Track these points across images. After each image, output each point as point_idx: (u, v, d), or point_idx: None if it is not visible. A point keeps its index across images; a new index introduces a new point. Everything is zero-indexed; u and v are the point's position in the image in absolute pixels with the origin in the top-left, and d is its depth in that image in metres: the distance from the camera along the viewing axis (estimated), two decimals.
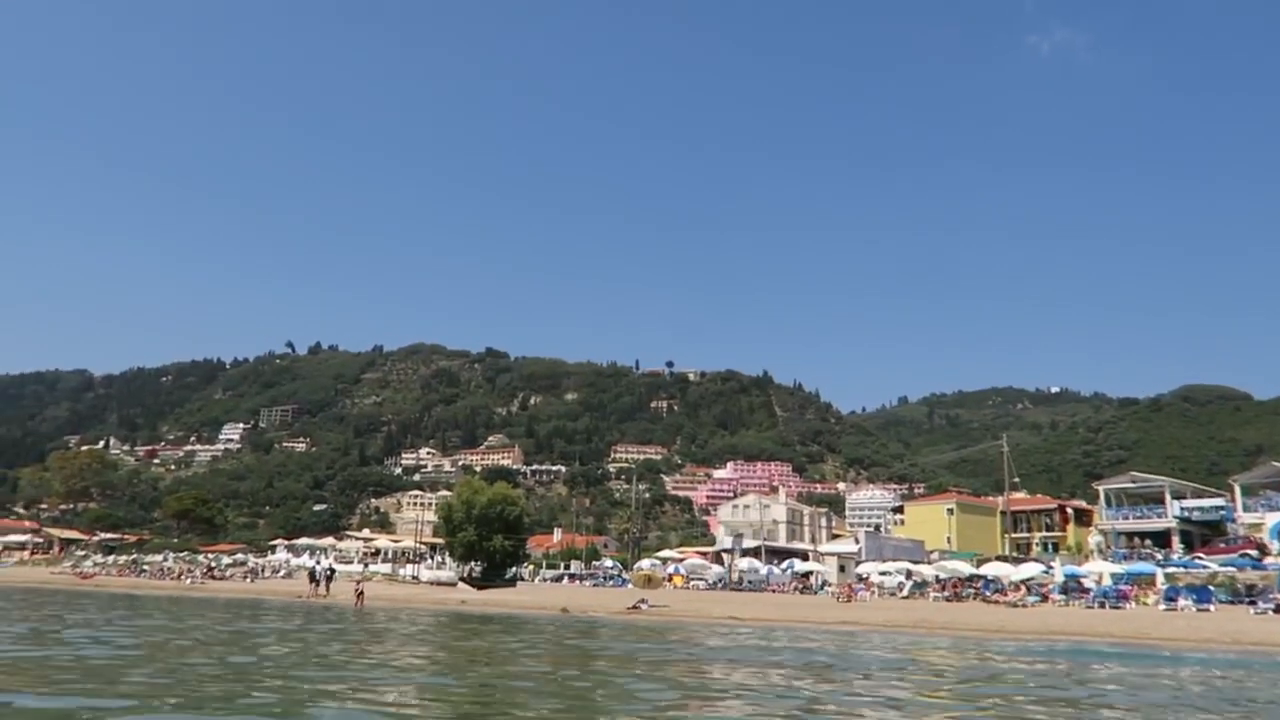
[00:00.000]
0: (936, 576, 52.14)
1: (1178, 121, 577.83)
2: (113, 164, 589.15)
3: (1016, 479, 79.14)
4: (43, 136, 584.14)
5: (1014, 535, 74.60)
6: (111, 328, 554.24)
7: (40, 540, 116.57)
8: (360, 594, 40.85)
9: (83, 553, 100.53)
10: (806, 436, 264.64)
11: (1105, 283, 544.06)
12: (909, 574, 54.15)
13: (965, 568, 53.35)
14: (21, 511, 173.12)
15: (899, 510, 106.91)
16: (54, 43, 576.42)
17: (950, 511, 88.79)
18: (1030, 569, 49.61)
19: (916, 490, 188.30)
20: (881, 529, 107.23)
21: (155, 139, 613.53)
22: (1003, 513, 74.10)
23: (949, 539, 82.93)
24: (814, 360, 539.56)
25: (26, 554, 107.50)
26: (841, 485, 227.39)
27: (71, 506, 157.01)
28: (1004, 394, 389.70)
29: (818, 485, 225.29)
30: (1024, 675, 15.61)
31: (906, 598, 48.66)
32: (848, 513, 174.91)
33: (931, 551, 71.18)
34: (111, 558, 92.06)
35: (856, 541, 75.26)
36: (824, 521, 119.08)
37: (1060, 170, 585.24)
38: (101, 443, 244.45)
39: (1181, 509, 60.55)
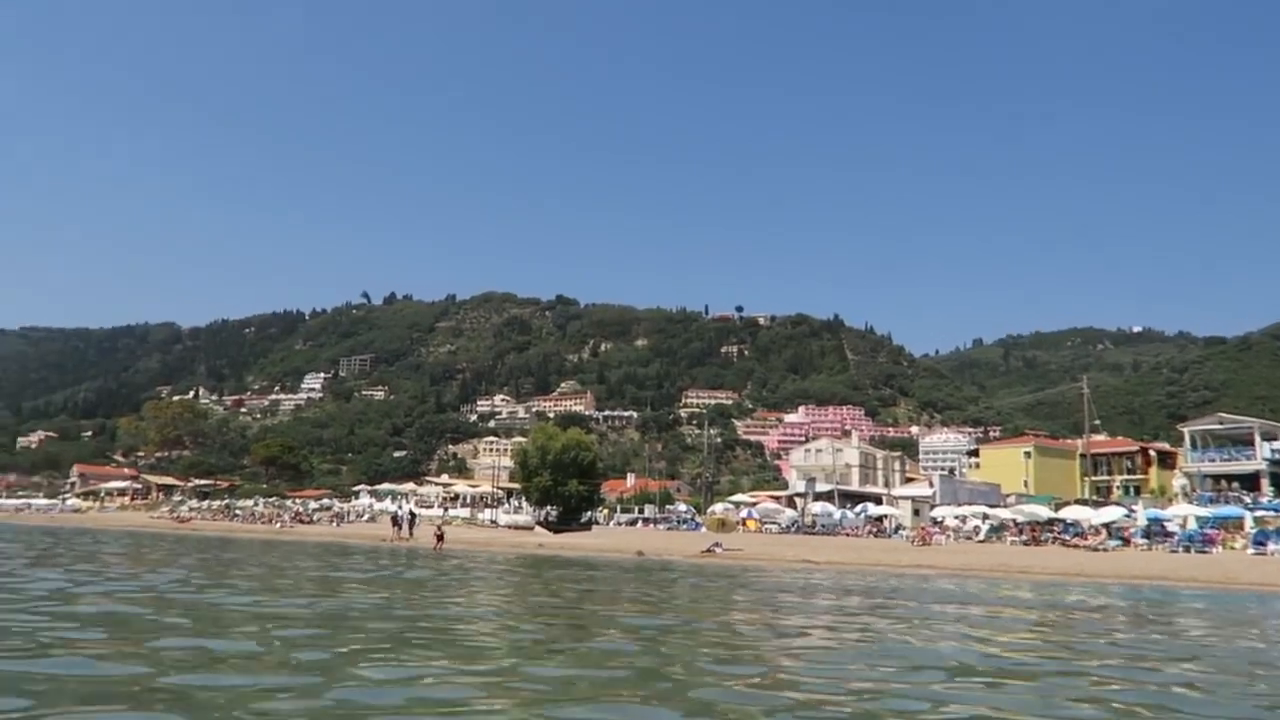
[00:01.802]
0: (1014, 520, 51.54)
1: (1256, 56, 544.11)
2: (201, 118, 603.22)
3: (1097, 421, 77.03)
4: (138, 93, 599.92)
5: (1094, 478, 72.96)
6: (197, 281, 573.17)
7: (139, 486, 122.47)
8: (440, 537, 42.20)
9: (179, 498, 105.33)
10: (878, 380, 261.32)
11: (1189, 219, 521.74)
12: (985, 517, 53.60)
13: (1044, 511, 52.57)
14: (120, 459, 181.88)
15: (974, 454, 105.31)
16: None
17: (1027, 455, 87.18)
18: (1112, 512, 48.65)
19: (992, 434, 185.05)
20: (956, 473, 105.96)
21: (244, 95, 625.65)
22: (1082, 455, 72.45)
23: (1026, 482, 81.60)
24: (886, 303, 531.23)
25: (127, 499, 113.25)
26: (915, 429, 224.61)
27: (166, 454, 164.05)
28: (1083, 334, 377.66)
29: (890, 429, 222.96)
30: (1104, 617, 15.53)
31: (983, 541, 48.30)
32: (921, 457, 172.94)
33: (1008, 495, 70.22)
34: (205, 503, 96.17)
35: (931, 485, 74.57)
36: (897, 465, 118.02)
37: (1140, 108, 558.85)
38: (191, 393, 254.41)
39: (1272, 451, 58.46)
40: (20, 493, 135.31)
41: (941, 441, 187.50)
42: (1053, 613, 16.25)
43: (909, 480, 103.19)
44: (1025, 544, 45.24)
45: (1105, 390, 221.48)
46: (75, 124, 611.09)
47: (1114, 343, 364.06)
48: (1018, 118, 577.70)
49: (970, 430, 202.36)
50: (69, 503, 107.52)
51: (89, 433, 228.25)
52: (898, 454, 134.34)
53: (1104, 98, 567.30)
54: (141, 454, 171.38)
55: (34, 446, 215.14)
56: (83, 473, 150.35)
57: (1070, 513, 50.57)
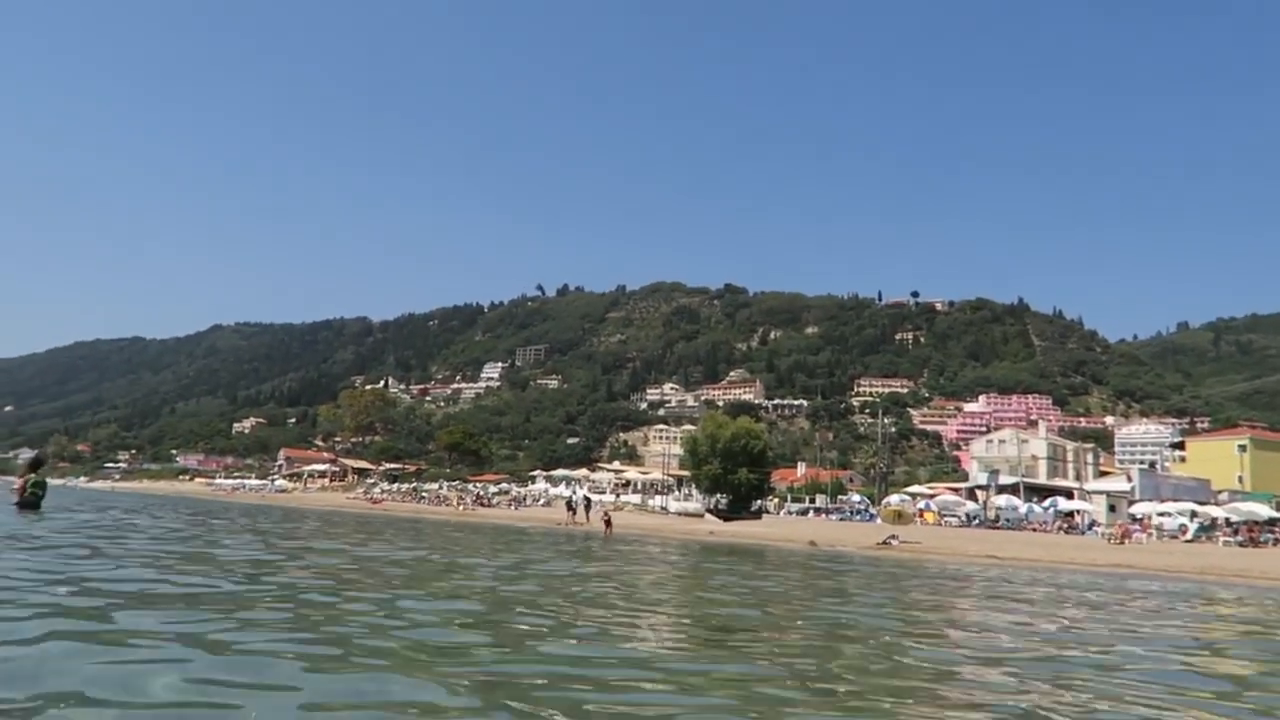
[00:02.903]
0: (1227, 519, 47.14)
1: None
2: (388, 120, 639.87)
3: None
4: (329, 94, 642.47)
5: None
6: (387, 277, 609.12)
7: (336, 469, 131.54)
8: (608, 523, 42.70)
9: (372, 480, 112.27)
10: (1068, 367, 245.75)
11: None
12: (1193, 515, 49.29)
13: (1263, 510, 47.81)
14: (320, 444, 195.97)
15: (1179, 446, 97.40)
16: None
17: (1242, 448, 79.70)
18: None
19: (1199, 425, 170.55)
20: (1157, 466, 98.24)
21: (426, 96, 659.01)
22: None
23: (1240, 478, 74.65)
24: (1076, 285, 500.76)
25: (326, 480, 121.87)
26: (1109, 419, 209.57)
27: (360, 439, 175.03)
28: None
29: (1081, 419, 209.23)
30: None
31: (1191, 541, 44.41)
32: (1117, 449, 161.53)
33: (1220, 492, 64.44)
34: (396, 485, 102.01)
35: (1129, 479, 69.51)
36: (1090, 458, 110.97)
37: None
38: (382, 382, 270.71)
39: None
40: (236, 473, 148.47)
41: (1141, 433, 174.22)
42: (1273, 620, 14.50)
43: (1103, 474, 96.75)
44: (1241, 545, 41.22)
45: None
46: (274, 134, 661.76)
47: None
48: (1213, 103, 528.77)
49: (1174, 421, 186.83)
50: (277, 483, 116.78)
51: (293, 419, 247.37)
52: (1090, 446, 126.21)
53: None
54: (338, 439, 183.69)
55: (247, 432, 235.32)
56: (288, 456, 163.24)
57: None
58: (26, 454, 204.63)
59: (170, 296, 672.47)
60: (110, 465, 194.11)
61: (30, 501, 20.02)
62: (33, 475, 21.05)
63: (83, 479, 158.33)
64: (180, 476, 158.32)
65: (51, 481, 28.11)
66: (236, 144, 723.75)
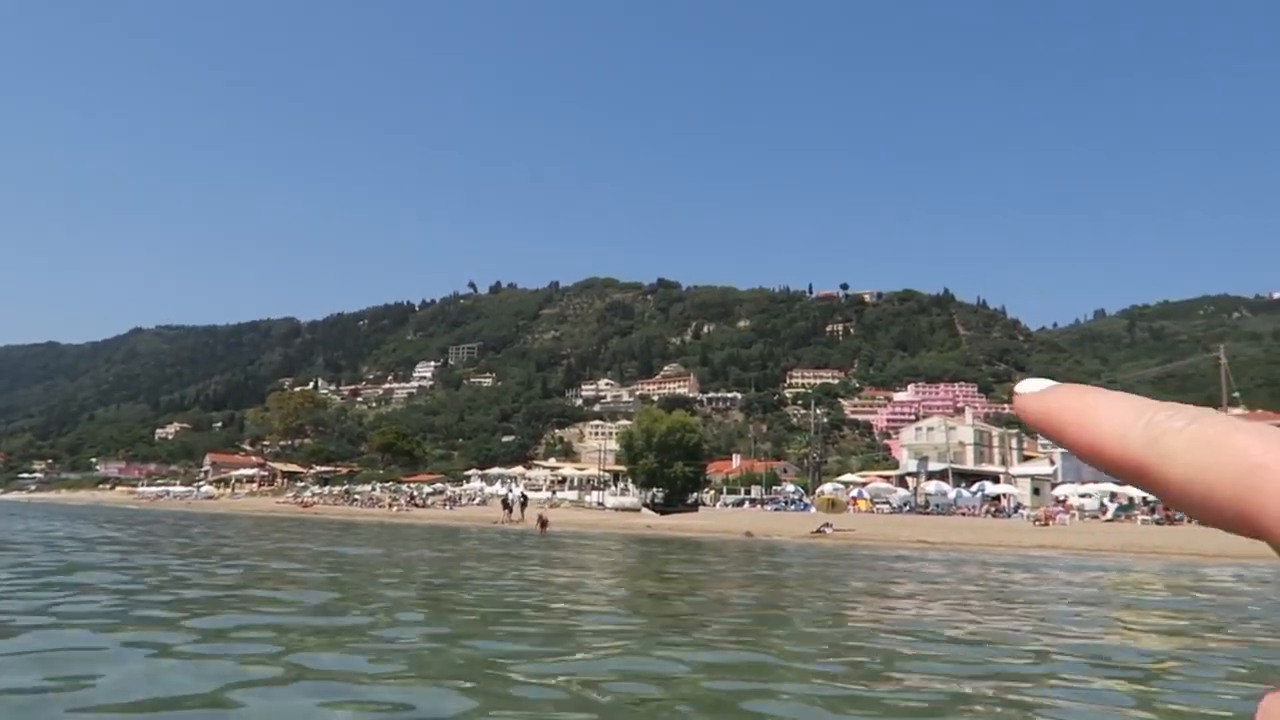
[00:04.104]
0: (1144, 498, 48.86)
1: None
2: (314, 119, 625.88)
3: (1236, 393, 72.41)
4: (254, 89, 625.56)
5: None
6: (314, 278, 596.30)
7: (265, 473, 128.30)
8: (544, 522, 42.40)
9: (302, 484, 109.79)
10: (993, 355, 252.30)
11: None
12: (1113, 496, 50.99)
13: None
14: (248, 448, 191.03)
15: None
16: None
17: None
18: None
19: None
20: None
21: (353, 93, 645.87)
22: None
23: None
24: (999, 276, 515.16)
25: (255, 485, 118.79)
26: None
27: (290, 442, 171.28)
28: (1217, 302, 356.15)
29: (1006, 406, 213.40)
30: (1250, 599, 14.35)
31: (1111, 520, 45.97)
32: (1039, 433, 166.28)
33: None
34: (327, 488, 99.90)
35: (1052, 463, 71.49)
36: (1015, 443, 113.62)
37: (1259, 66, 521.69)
38: (311, 384, 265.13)
39: None
40: (159, 481, 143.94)
41: None
42: (1186, 592, 15.07)
43: (1028, 458, 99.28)
44: (1158, 523, 42.77)
45: (1243, 361, 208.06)
46: (203, 133, 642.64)
47: (1252, 310, 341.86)
48: (1129, 85, 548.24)
49: None
50: (203, 489, 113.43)
51: (219, 424, 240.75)
52: (1015, 431, 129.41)
53: (1212, 61, 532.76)
54: (267, 442, 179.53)
55: (171, 437, 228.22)
56: (215, 461, 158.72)
57: None
58: None
59: (86, 299, 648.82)
60: (25, 475, 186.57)
61: None
62: None
63: None
64: (101, 485, 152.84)
65: None
66: (156, 143, 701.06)
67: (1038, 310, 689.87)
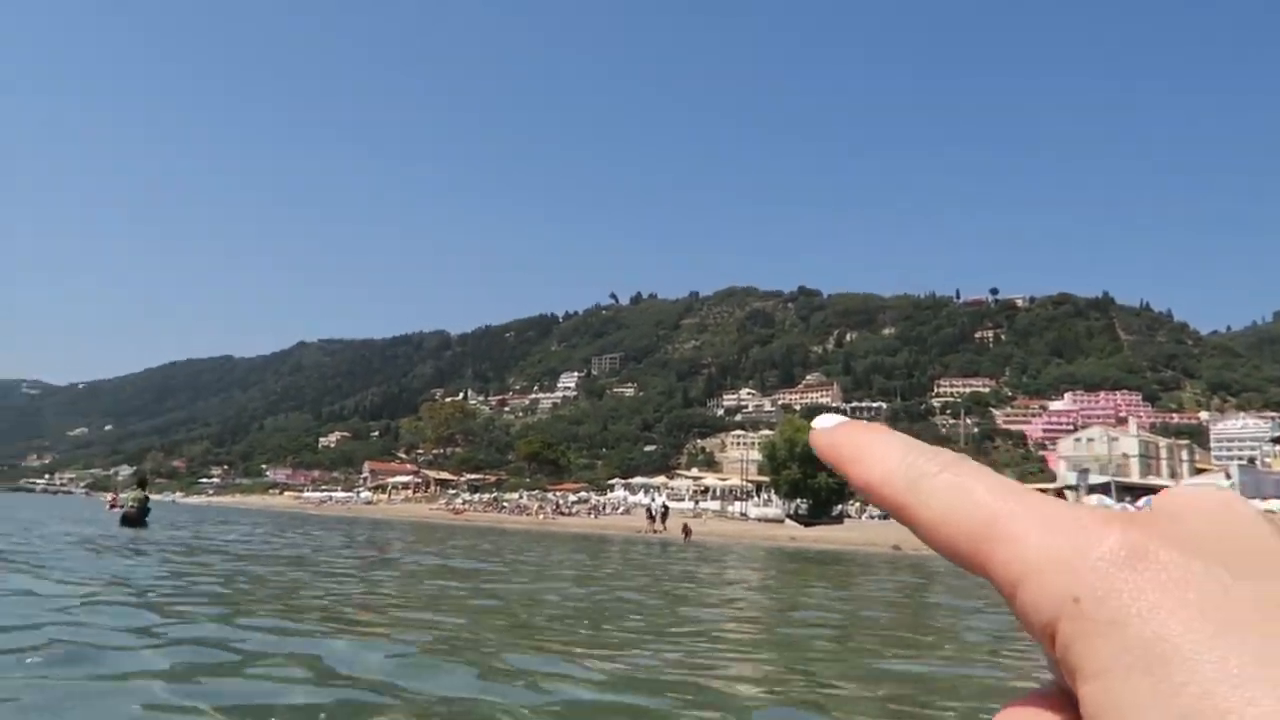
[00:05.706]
0: None
1: None
2: (462, 144, 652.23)
3: None
4: (412, 109, 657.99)
5: None
6: (462, 292, 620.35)
7: (419, 480, 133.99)
8: (687, 531, 42.80)
9: (454, 491, 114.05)
10: (1158, 361, 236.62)
11: None
12: None
13: None
14: (403, 456, 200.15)
15: None
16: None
17: None
18: None
19: None
20: (1258, 462, 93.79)
21: (499, 105, 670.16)
22: None
23: None
24: (1164, 276, 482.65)
25: (410, 492, 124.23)
26: (1204, 414, 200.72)
27: (441, 451, 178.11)
28: None
29: (1174, 415, 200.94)
30: None
31: None
32: (1213, 445, 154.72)
33: None
34: (477, 495, 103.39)
35: (1227, 476, 66.46)
36: (1185, 455, 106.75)
37: None
38: (461, 394, 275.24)
39: None
40: (323, 486, 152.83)
41: (1238, 428, 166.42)
42: None
43: (1200, 471, 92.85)
44: None
45: None
46: (357, 159, 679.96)
47: None
48: None
49: (1274, 415, 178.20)
50: (363, 495, 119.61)
51: (376, 433, 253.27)
52: (1184, 442, 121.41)
53: None
54: (421, 451, 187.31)
55: (332, 446, 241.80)
56: (373, 469, 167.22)
57: None
58: (126, 471, 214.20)
59: (258, 315, 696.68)
60: (205, 480, 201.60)
61: (134, 517, 20.86)
62: (140, 492, 21.95)
63: (179, 494, 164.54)
64: (270, 490, 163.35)
65: (152, 497, 29.39)
66: (317, 173, 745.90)
67: (1209, 312, 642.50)
